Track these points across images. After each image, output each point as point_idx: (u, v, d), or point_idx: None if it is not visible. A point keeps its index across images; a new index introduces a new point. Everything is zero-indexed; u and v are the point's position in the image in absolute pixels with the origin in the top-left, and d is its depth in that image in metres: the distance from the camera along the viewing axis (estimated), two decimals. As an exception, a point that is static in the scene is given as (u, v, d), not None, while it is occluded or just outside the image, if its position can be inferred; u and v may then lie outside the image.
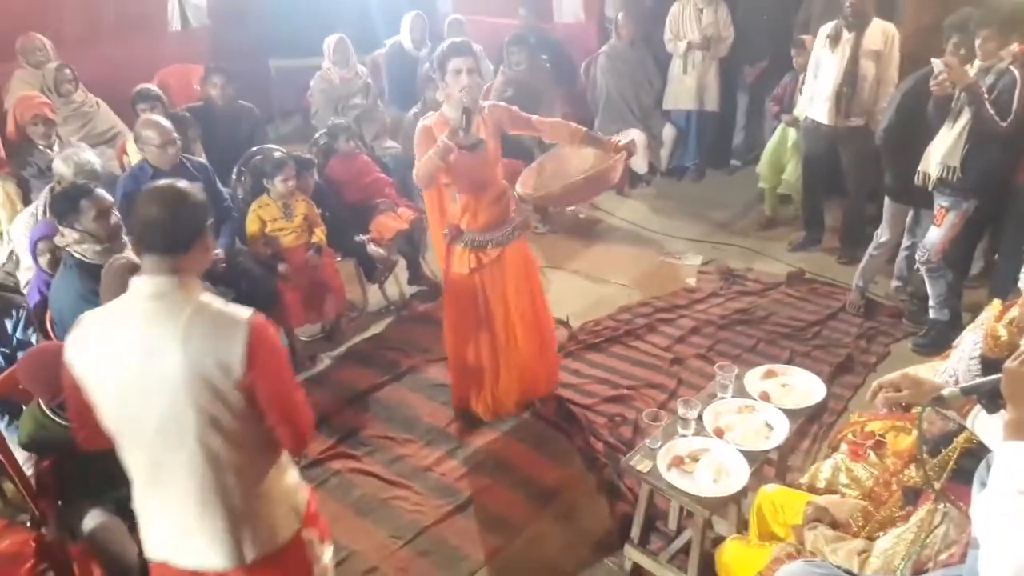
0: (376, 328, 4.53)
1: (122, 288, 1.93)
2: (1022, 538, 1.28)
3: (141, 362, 1.75)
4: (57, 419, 2.50)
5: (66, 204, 3.00)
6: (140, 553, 2.49)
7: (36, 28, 5.30)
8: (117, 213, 3.07)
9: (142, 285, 1.78)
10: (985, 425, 1.65)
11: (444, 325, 3.64)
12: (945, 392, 1.63)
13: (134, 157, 4.26)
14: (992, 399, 1.55)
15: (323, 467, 3.44)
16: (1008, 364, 1.40)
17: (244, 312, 1.80)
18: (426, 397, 3.90)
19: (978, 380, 1.67)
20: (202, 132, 4.64)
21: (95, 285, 2.96)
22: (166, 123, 3.78)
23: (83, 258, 3.00)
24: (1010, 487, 1.34)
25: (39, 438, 2.51)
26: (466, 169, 3.25)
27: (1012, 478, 1.35)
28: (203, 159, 4.20)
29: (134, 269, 2.42)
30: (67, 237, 3.02)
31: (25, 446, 2.55)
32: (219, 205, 3.99)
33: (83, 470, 2.57)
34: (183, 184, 1.84)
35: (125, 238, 3.10)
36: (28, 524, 2.74)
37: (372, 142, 5.39)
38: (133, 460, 1.90)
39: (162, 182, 1.85)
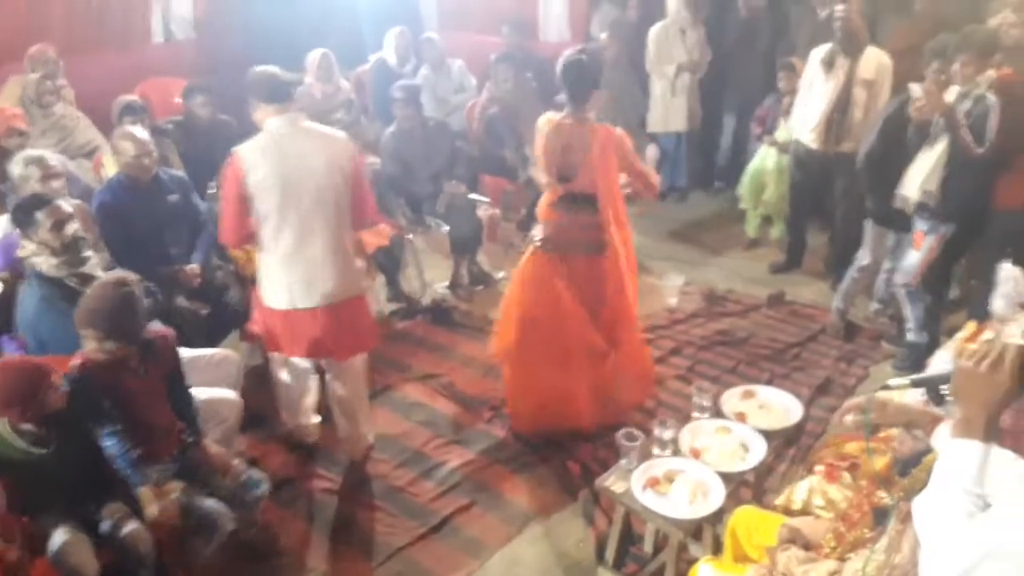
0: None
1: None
2: (965, 537, 1.25)
3: (298, 164, 2.91)
4: (19, 440, 2.45)
5: (22, 215, 2.97)
6: (100, 570, 2.47)
7: (17, 40, 5.26)
8: (76, 224, 3.03)
9: (280, 123, 2.93)
10: (945, 440, 1.64)
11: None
12: (892, 382, 1.64)
13: (111, 170, 4.21)
14: (939, 393, 1.55)
15: (294, 487, 3.38)
16: (960, 362, 1.39)
17: (340, 132, 3.14)
18: (401, 416, 3.85)
19: (928, 373, 1.67)
20: (182, 146, 4.60)
21: (56, 291, 2.93)
22: (143, 135, 3.74)
23: (39, 270, 2.95)
24: (955, 485, 1.32)
25: None
26: None
27: (956, 475, 1.33)
28: (182, 172, 4.16)
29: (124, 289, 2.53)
30: (26, 248, 2.98)
31: None
32: (195, 219, 3.95)
33: (50, 488, 2.52)
34: None
35: (87, 252, 3.06)
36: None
37: (355, 158, 5.38)
38: (284, 239, 2.97)
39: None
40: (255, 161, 2.90)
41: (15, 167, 3.53)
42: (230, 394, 3.20)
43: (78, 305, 2.56)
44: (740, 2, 5.85)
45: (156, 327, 2.82)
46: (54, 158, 3.69)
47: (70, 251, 2.97)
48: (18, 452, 2.43)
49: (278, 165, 2.90)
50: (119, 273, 2.63)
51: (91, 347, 2.55)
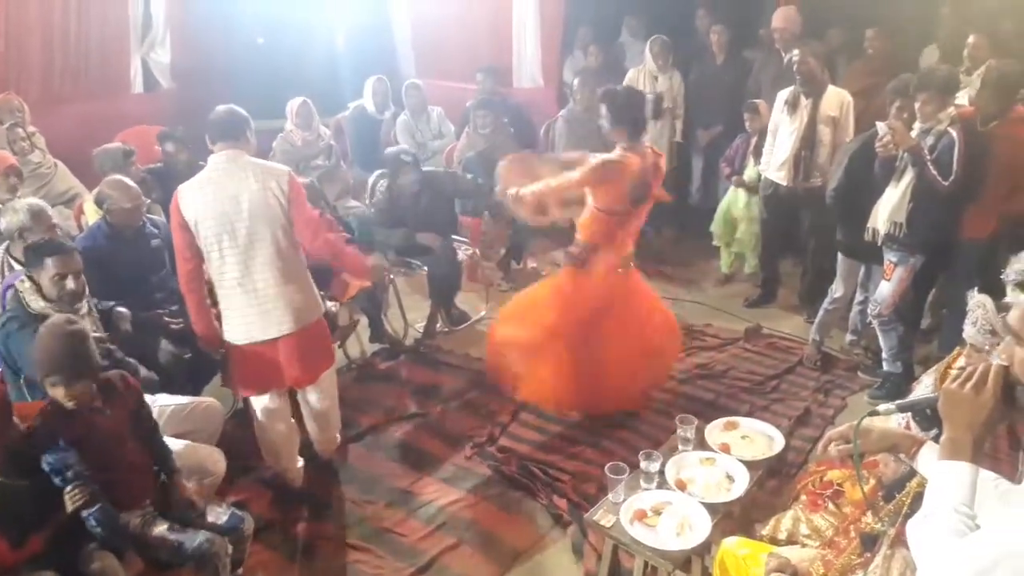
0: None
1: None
2: (958, 557, 1.29)
3: (232, 197, 2.99)
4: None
5: (32, 256, 3.02)
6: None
7: (-3, 88, 5.31)
8: (83, 279, 3.06)
9: (219, 159, 3.05)
10: (928, 463, 1.68)
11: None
12: (880, 407, 1.67)
13: (92, 218, 4.21)
14: (925, 417, 1.58)
15: (280, 531, 3.34)
16: (946, 385, 1.44)
17: (280, 166, 3.21)
18: (386, 457, 3.84)
19: (914, 398, 1.70)
20: (159, 193, 4.62)
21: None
22: (135, 185, 3.78)
23: (27, 307, 2.97)
24: (945, 505, 1.36)
25: None
26: None
27: (947, 496, 1.37)
28: (162, 218, 4.18)
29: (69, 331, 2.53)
30: (24, 284, 3.01)
31: None
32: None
33: (30, 530, 2.47)
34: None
35: (78, 304, 3.07)
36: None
37: (335, 202, 5.42)
38: (228, 272, 3.07)
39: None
40: (191, 196, 3.02)
41: (13, 215, 3.52)
42: (213, 450, 3.16)
43: (35, 356, 2.53)
44: (714, 48, 6.04)
45: (113, 370, 2.81)
46: (45, 204, 3.71)
47: (63, 302, 3.00)
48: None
49: (212, 200, 3.00)
50: (63, 315, 2.66)
51: (59, 393, 2.51)
